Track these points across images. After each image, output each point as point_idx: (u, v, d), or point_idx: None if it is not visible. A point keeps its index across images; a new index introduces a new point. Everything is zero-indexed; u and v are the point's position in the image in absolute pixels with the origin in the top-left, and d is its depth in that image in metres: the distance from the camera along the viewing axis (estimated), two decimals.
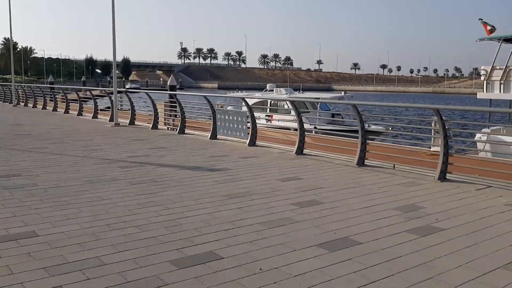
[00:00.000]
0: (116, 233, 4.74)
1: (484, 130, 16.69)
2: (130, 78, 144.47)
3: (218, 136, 12.31)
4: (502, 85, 16.25)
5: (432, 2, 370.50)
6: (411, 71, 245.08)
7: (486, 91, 16.73)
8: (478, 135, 15.97)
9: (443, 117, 7.56)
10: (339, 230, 4.89)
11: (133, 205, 5.79)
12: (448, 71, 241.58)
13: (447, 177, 7.53)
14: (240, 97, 12.13)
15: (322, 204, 5.93)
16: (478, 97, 17.21)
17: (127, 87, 78.82)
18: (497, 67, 16.39)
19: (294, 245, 4.44)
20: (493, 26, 17.15)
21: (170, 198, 6.19)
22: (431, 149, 14.06)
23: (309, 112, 23.89)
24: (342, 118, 23.82)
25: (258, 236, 4.68)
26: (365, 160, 8.80)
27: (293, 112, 22.17)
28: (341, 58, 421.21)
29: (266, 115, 24.05)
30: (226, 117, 11.84)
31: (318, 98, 23.58)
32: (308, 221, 5.21)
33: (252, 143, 11.19)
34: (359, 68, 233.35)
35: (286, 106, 23.67)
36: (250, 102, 25.28)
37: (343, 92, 24.80)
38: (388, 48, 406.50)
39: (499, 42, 16.84)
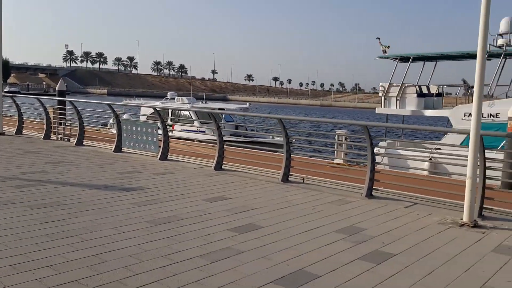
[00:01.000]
0: (26, 277, 3.78)
1: (381, 143, 17.51)
2: (9, 81, 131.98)
3: (123, 148, 11.27)
4: (398, 101, 17.18)
5: (321, 20, 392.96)
6: (301, 85, 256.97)
7: (384, 107, 17.58)
8: (376, 149, 16.68)
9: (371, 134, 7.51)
10: (290, 261, 4.42)
11: (40, 237, 4.78)
12: (333, 86, 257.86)
13: (373, 194, 7.49)
14: (152, 106, 11.26)
15: (261, 229, 5.42)
16: (376, 112, 18.02)
17: (5, 90, 71.72)
18: (394, 84, 17.31)
19: (247, 283, 3.87)
20: (385, 47, 18.16)
21: (84, 226, 5.25)
22: (335, 161, 14.37)
23: (211, 123, 23.34)
24: (246, 129, 23.73)
25: (202, 274, 4.03)
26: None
27: (196, 123, 21.61)
28: (236, 69, 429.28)
29: (167, 125, 23.06)
30: (134, 128, 10.86)
31: (223, 109, 23.23)
32: (253, 251, 4.67)
33: (164, 157, 10.37)
34: (252, 80, 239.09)
35: (190, 117, 22.94)
36: (148, 111, 24.13)
37: (248, 103, 24.72)
38: (280, 62, 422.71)
39: (395, 60, 17.85)
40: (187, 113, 23.30)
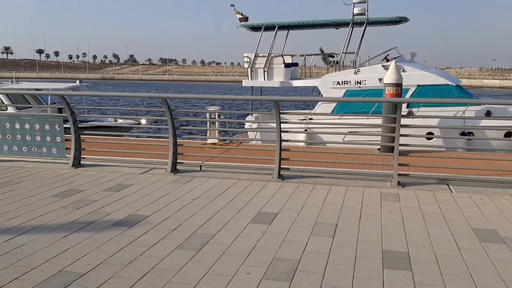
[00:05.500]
0: None
1: (248, 118, 16.79)
2: None
3: None
4: (265, 73, 16.52)
5: None
6: (70, 57, 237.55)
7: (251, 79, 16.71)
8: (247, 125, 15.91)
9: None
10: None
11: None
12: (107, 58, 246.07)
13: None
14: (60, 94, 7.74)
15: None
16: (243, 84, 17.02)
17: None
18: (260, 55, 16.53)
19: None
20: (242, 15, 17.22)
21: None
22: (208, 141, 13.04)
23: (32, 107, 19.08)
24: (73, 111, 19.95)
25: None
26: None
27: (11, 109, 17.04)
28: None
29: None
30: (17, 126, 7.48)
31: (48, 89, 18.94)
32: None
33: (77, 162, 7.46)
34: (12, 53, 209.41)
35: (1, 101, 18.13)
36: None
37: (78, 81, 20.64)
38: (44, 32, 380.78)
39: (251, 30, 17.10)
40: None
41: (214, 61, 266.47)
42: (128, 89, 70.88)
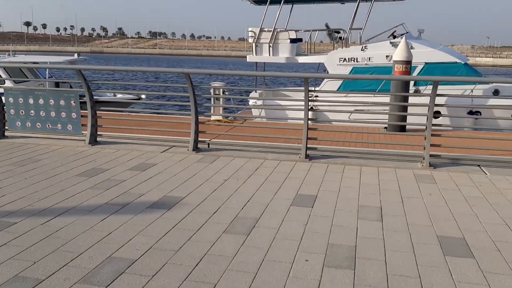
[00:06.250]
0: None
1: (252, 94, 16.54)
2: None
3: (7, 132, 7.50)
4: (271, 48, 16.17)
5: None
6: (58, 29, 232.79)
7: (256, 54, 16.36)
8: (251, 102, 15.61)
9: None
10: None
11: None
12: (95, 30, 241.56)
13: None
14: (75, 68, 7.33)
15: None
16: (248, 60, 16.63)
17: None
18: (266, 29, 16.13)
19: None
20: None
21: None
22: (212, 118, 12.83)
23: (29, 80, 18.62)
24: (71, 86, 19.52)
25: None
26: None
27: (9, 82, 16.58)
28: None
29: None
30: (31, 101, 7.16)
31: (46, 62, 18.47)
32: None
33: (94, 139, 7.19)
34: None
35: None
36: None
37: (76, 54, 20.10)
38: (32, 3, 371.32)
39: (254, 4, 16.76)
40: None
41: (204, 35, 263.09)
42: (121, 63, 69.75)
